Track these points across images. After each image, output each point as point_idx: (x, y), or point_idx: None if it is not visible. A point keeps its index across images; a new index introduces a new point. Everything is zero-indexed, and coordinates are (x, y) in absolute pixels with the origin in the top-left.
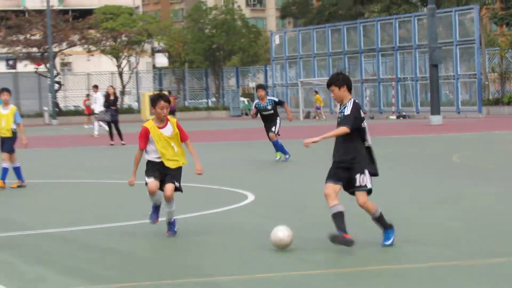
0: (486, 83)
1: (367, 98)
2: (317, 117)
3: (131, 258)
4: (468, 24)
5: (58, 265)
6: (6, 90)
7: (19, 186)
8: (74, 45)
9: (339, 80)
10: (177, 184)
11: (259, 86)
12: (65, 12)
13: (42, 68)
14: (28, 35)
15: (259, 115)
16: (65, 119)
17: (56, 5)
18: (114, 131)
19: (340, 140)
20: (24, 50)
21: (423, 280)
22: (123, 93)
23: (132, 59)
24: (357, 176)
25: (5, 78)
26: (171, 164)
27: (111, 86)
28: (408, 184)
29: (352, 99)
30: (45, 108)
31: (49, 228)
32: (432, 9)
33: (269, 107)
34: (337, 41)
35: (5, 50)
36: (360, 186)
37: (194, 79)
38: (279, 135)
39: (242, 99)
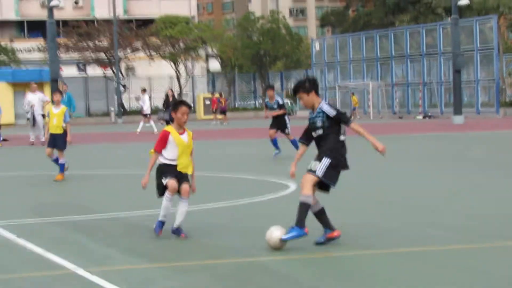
0: (504, 86)
1: (397, 100)
2: (352, 116)
3: (186, 240)
4: (487, 32)
5: (122, 246)
6: (58, 91)
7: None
8: (137, 50)
9: (306, 87)
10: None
11: (269, 87)
12: (129, 21)
13: (109, 72)
14: (96, 42)
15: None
16: (129, 118)
17: (121, 15)
18: None
19: (320, 138)
20: (93, 56)
21: (441, 261)
22: (180, 95)
23: (189, 64)
24: (314, 162)
25: (77, 81)
26: (183, 170)
27: (170, 89)
28: (432, 176)
29: (323, 101)
30: (112, 108)
31: (115, 213)
32: (455, 19)
33: (275, 106)
34: (370, 48)
35: (76, 55)
36: (311, 170)
37: (243, 83)
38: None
39: (285, 100)
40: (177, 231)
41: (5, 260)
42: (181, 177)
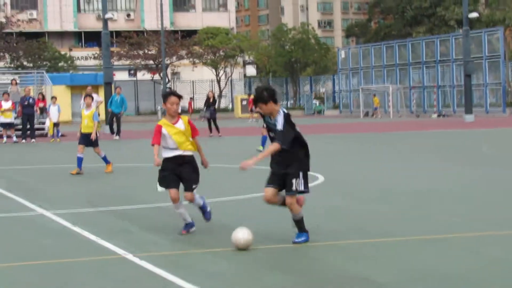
0: (509, 89)
1: (414, 101)
2: (374, 116)
3: (227, 228)
4: (494, 42)
5: (167, 233)
6: (89, 96)
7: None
8: (182, 58)
9: (264, 97)
10: (194, 186)
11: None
12: (175, 32)
13: (156, 76)
14: (146, 50)
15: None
16: None
17: (168, 27)
18: (213, 126)
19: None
20: (142, 62)
21: (461, 247)
22: (220, 96)
23: (228, 69)
24: (293, 181)
25: (128, 84)
26: (188, 150)
27: (211, 91)
28: (448, 168)
29: (281, 112)
30: (158, 108)
31: (160, 203)
32: (466, 30)
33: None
34: (390, 56)
35: (128, 62)
36: (296, 190)
37: (277, 85)
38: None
39: (314, 101)
40: (201, 209)
41: (63, 246)
42: (181, 176)
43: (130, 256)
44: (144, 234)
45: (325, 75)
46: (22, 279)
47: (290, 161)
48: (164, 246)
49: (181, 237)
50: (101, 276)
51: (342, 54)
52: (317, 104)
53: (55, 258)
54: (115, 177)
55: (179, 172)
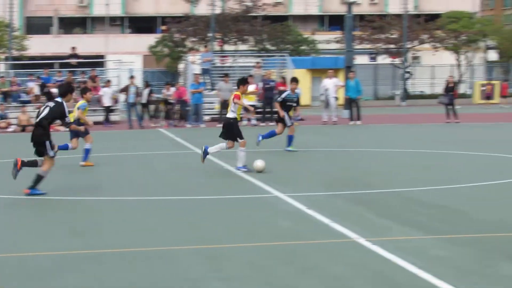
0: None
1: None
2: None
3: (458, 214)
4: None
5: (400, 218)
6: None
7: None
8: (423, 42)
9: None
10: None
11: (293, 80)
12: (418, 16)
13: (396, 61)
14: (388, 34)
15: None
16: (412, 101)
17: (411, 10)
18: (450, 112)
19: None
20: (383, 46)
21: None
22: (459, 82)
23: (469, 54)
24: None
25: (367, 68)
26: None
27: (451, 76)
28: None
29: None
30: (397, 92)
31: (391, 188)
32: None
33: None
34: None
35: (369, 46)
36: None
37: None
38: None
39: None
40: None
41: (297, 228)
42: None
43: (362, 240)
44: (378, 219)
45: None
46: (256, 259)
47: None
48: (398, 231)
49: (413, 222)
50: (333, 258)
51: None
52: None
53: (290, 240)
54: (349, 159)
55: None
